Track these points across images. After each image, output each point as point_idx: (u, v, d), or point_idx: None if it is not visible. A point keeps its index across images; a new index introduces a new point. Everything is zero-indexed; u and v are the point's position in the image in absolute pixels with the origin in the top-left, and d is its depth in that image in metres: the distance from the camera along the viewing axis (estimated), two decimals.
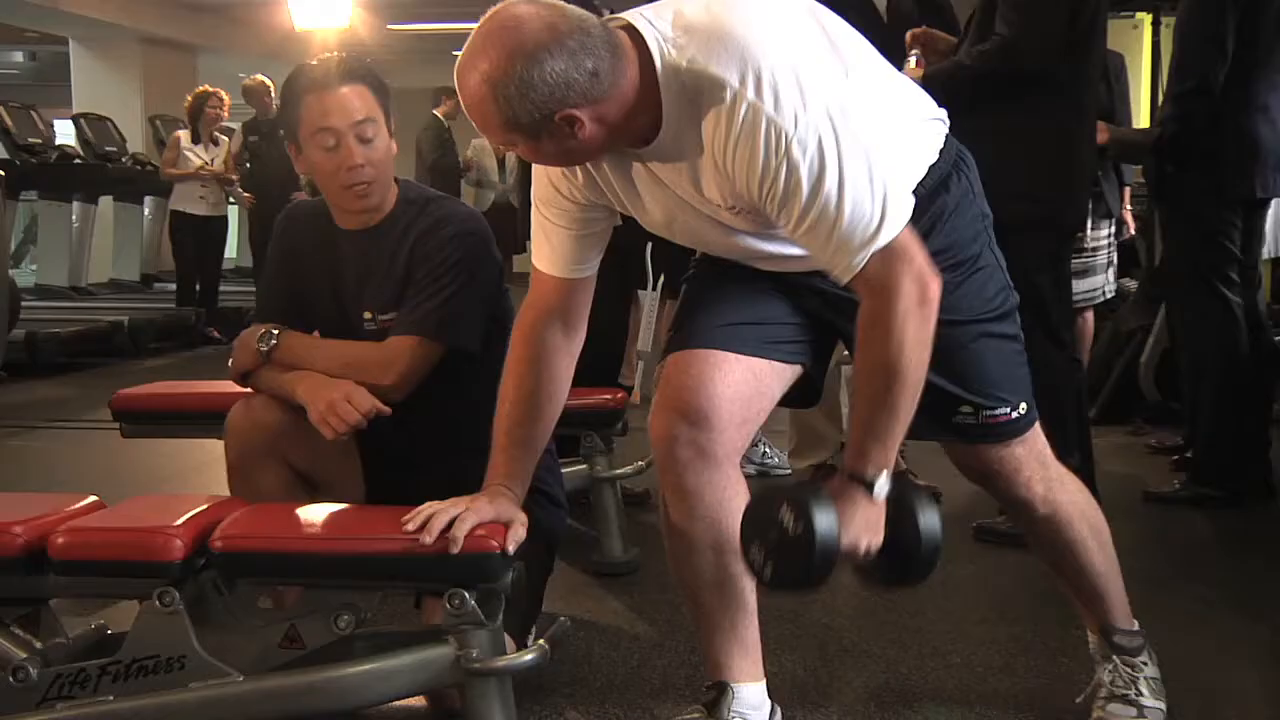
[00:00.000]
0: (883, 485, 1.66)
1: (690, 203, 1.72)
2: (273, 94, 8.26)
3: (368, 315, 2.22)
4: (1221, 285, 3.50)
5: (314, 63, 2.20)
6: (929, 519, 1.69)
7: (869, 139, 1.59)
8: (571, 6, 1.59)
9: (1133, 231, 5.01)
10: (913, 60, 3.18)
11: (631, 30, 1.62)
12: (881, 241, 1.58)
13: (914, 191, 1.78)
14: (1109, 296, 4.71)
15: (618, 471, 3.03)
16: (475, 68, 1.57)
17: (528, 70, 1.53)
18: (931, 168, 1.81)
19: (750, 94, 1.55)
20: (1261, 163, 3.44)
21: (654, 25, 1.62)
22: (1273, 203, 3.79)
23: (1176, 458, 4.05)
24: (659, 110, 1.62)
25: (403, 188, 2.25)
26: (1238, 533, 3.41)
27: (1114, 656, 2.07)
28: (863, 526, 1.65)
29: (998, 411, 1.90)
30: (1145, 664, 2.08)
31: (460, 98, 1.61)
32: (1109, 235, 4.53)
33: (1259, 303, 3.68)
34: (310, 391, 2.11)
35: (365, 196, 2.17)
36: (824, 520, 1.58)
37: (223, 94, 8.21)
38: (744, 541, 1.67)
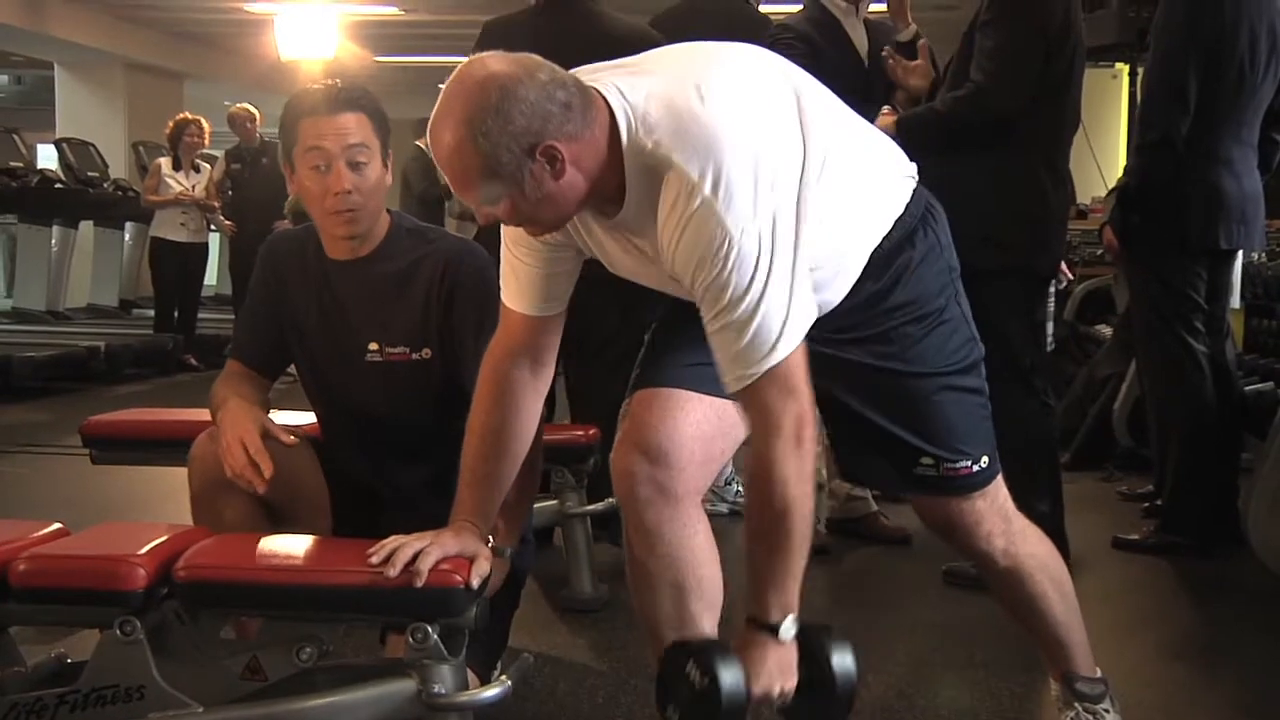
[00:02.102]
0: (789, 627, 1.67)
1: (654, 263, 1.72)
2: (256, 122, 8.25)
3: (373, 347, 2.18)
4: (1186, 334, 3.52)
5: (318, 86, 2.17)
6: (842, 659, 1.70)
7: (806, 240, 1.62)
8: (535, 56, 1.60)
9: (1070, 278, 5.01)
10: (886, 109, 3.21)
11: (601, 96, 1.63)
12: (775, 359, 1.60)
13: (878, 245, 1.80)
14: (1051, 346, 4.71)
15: (588, 508, 3.03)
16: (450, 114, 1.57)
17: (503, 101, 1.54)
18: (897, 221, 1.82)
19: (707, 189, 1.56)
20: (1225, 214, 3.46)
21: (625, 98, 1.62)
22: (1239, 253, 3.82)
23: (1147, 505, 4.06)
24: (623, 177, 1.63)
25: (396, 218, 2.23)
26: (1205, 581, 3.42)
27: (1075, 704, 2.08)
28: (774, 672, 1.67)
29: (959, 464, 1.91)
30: (1107, 711, 2.09)
31: (435, 155, 1.61)
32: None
33: (1227, 352, 3.70)
34: (221, 429, 2.09)
35: (350, 223, 2.14)
36: (729, 674, 1.60)
37: (203, 121, 8.19)
38: (660, 703, 1.70)
